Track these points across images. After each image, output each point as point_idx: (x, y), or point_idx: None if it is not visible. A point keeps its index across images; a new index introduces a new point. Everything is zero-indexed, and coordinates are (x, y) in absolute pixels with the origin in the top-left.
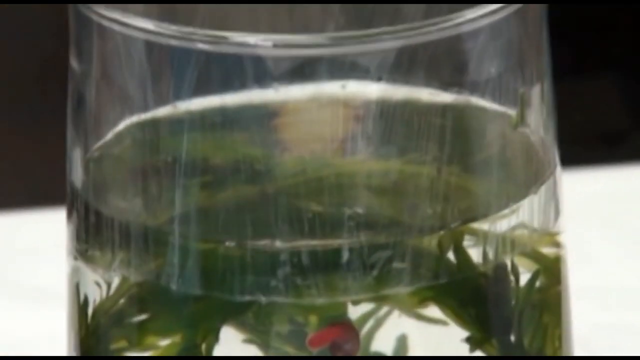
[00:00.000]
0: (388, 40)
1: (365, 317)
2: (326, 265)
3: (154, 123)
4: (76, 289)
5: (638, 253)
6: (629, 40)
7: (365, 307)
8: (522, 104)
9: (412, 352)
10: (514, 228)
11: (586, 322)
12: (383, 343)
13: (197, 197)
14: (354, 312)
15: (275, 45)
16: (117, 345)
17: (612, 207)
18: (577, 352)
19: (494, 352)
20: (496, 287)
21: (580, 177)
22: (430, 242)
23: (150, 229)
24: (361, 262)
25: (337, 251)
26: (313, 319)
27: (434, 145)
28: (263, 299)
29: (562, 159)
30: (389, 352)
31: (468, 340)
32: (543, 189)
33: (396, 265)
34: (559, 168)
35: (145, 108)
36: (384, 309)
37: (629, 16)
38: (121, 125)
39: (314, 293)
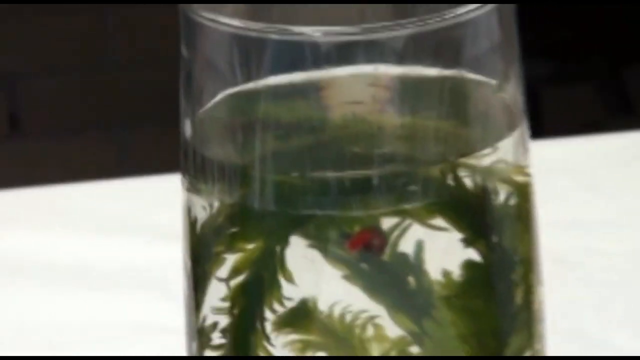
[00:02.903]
0: (406, 29)
1: (391, 226)
2: (362, 189)
3: (242, 94)
4: (188, 212)
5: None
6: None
7: (391, 219)
8: (502, 77)
9: (426, 253)
10: (494, 162)
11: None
12: (406, 245)
13: (272, 144)
14: (383, 222)
15: (325, 34)
16: (217, 249)
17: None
18: (552, 264)
19: (483, 251)
20: (483, 203)
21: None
22: (435, 171)
23: (240, 167)
24: (387, 186)
25: (370, 179)
26: (353, 227)
27: (438, 106)
28: (319, 213)
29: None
30: (410, 252)
31: (463, 240)
32: (514, 134)
33: (411, 188)
34: (525, 121)
35: (235, 84)
36: (406, 221)
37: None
38: (218, 97)
39: (354, 208)
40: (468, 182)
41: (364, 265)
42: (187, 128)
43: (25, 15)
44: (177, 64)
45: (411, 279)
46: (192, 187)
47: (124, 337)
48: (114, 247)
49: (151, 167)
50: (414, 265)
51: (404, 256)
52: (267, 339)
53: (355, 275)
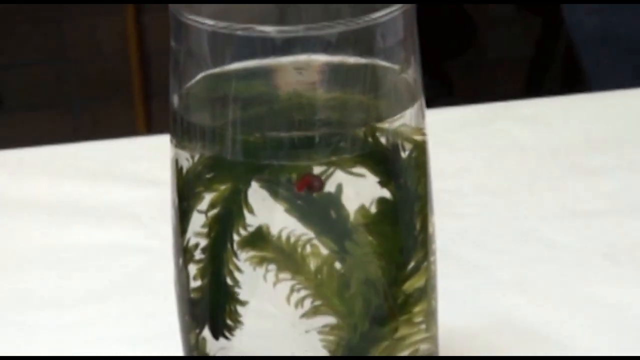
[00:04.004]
0: (334, 28)
1: (324, 172)
2: (306, 144)
3: (215, 75)
4: (176, 162)
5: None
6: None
7: (325, 167)
8: (404, 63)
9: (345, 193)
10: (401, 125)
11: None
12: (331, 186)
13: (238, 113)
14: (320, 170)
15: (277, 32)
16: (198, 190)
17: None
18: (442, 201)
19: (393, 190)
20: (393, 156)
21: None
22: (360, 132)
23: (214, 128)
24: (324, 143)
25: (312, 137)
26: (299, 173)
27: (358, 84)
28: (274, 163)
29: None
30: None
31: (379, 183)
32: (415, 105)
33: (341, 144)
34: (423, 95)
35: (209, 68)
36: (331, 168)
37: None
38: (197, 77)
39: (299, 159)
40: (383, 140)
41: (299, 202)
42: (175, 100)
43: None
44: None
45: (333, 212)
46: (179, 144)
47: (108, 253)
48: (94, 190)
49: (98, 134)
50: (335, 201)
51: (328, 194)
52: (235, 255)
53: (293, 208)
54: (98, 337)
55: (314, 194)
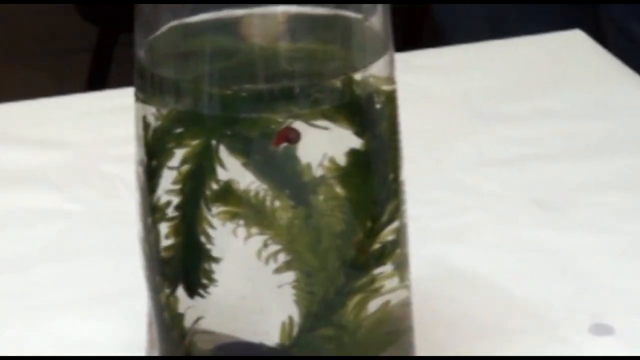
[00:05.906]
0: None
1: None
2: (280, 96)
3: (181, 26)
4: (143, 119)
5: None
6: None
7: (300, 119)
8: (370, 12)
9: (311, 146)
10: (370, 76)
11: None
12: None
13: (209, 65)
14: (296, 123)
15: None
16: (169, 146)
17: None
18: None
19: (369, 139)
20: (367, 104)
21: None
22: (336, 83)
23: (184, 81)
24: (303, 94)
25: (289, 89)
26: (274, 127)
27: (326, 34)
28: (252, 115)
29: None
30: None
31: (355, 133)
32: (386, 56)
33: (317, 95)
34: (392, 46)
35: (174, 19)
36: (288, 120)
37: None
38: (163, 28)
39: (275, 111)
40: (357, 90)
41: (256, 156)
42: (141, 54)
43: None
44: None
45: (289, 166)
46: (146, 99)
47: (28, 219)
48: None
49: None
50: (291, 155)
51: (285, 148)
52: (209, 210)
53: (250, 163)
54: (27, 305)
55: (271, 149)
